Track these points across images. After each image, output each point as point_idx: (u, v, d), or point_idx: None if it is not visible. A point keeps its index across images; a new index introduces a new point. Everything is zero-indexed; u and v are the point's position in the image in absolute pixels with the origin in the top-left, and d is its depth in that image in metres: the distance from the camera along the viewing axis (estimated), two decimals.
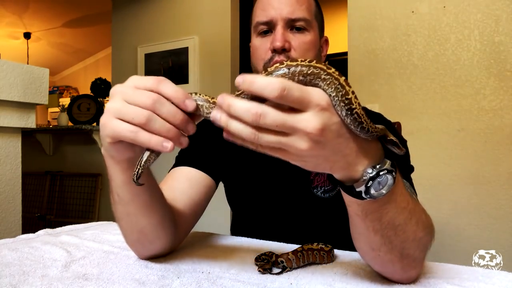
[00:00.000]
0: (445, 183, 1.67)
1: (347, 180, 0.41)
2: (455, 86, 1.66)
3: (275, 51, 0.74)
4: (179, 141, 0.42)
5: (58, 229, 0.85)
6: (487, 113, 1.59)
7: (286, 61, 0.37)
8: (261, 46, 0.77)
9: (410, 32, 1.75)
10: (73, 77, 6.46)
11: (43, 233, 0.81)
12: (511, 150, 1.54)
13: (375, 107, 1.80)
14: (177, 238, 0.66)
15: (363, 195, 0.40)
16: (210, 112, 0.41)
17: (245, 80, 0.35)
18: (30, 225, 3.01)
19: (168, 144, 0.40)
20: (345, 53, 2.00)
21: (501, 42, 1.57)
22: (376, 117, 0.83)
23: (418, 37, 1.73)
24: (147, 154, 0.43)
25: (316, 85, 0.37)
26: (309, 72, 0.36)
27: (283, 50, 0.74)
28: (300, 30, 0.76)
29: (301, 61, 0.37)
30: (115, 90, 0.43)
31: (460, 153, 1.64)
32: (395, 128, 0.91)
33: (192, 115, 0.42)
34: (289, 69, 0.36)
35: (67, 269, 0.57)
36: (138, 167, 0.44)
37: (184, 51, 2.51)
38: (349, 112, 0.37)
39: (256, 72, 0.81)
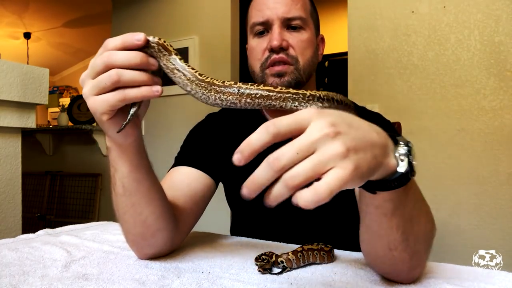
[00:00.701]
0: (445, 183, 1.67)
1: (386, 174, 0.39)
2: (455, 86, 1.66)
3: (272, 50, 0.74)
4: (155, 81, 0.45)
5: (58, 229, 0.85)
6: (487, 113, 1.59)
7: (239, 83, 0.41)
8: (257, 47, 0.77)
9: (410, 32, 1.75)
10: (73, 77, 6.45)
11: (43, 233, 0.81)
12: (511, 150, 1.54)
13: (375, 107, 1.80)
14: (177, 237, 0.66)
15: (410, 175, 0.39)
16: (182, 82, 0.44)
17: (242, 150, 0.34)
18: (30, 225, 3.01)
19: (158, 88, 0.44)
20: (345, 53, 2.00)
21: (501, 42, 1.57)
22: (375, 117, 0.83)
23: (418, 37, 1.73)
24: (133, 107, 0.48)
25: (270, 106, 0.40)
26: (257, 95, 0.39)
27: (281, 49, 0.74)
28: (296, 29, 0.76)
29: (251, 85, 0.40)
30: (82, 78, 0.46)
31: (460, 153, 1.64)
32: (394, 128, 0.91)
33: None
34: (238, 90, 0.40)
35: (67, 269, 0.57)
36: (128, 117, 0.48)
37: (184, 51, 2.51)
38: (323, 102, 0.40)
39: (253, 73, 0.80)
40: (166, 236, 0.62)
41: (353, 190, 0.74)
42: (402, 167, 0.38)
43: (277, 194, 0.33)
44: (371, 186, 0.41)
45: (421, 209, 0.48)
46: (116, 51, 0.43)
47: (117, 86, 0.43)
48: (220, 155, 0.83)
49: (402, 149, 0.38)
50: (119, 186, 0.56)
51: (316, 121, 0.34)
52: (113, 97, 0.43)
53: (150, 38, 0.44)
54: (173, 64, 0.44)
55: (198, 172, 0.77)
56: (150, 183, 0.58)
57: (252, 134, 0.34)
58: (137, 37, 0.44)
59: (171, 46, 0.46)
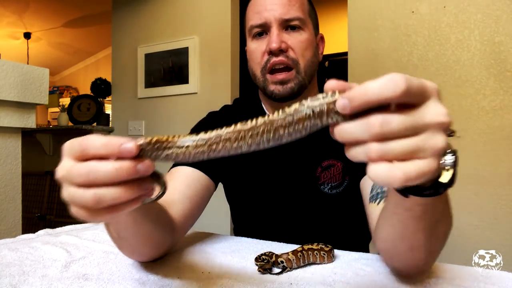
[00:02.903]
0: None
1: (427, 180, 0.35)
2: (455, 86, 1.66)
3: (271, 53, 0.74)
4: (146, 188, 0.35)
5: (58, 229, 0.85)
6: (487, 113, 1.59)
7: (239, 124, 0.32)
8: (257, 49, 0.77)
9: (410, 32, 1.75)
10: (73, 77, 6.46)
11: (43, 233, 0.81)
12: (511, 150, 1.54)
13: None
14: (174, 241, 0.66)
15: (449, 186, 0.35)
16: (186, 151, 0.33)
17: (353, 98, 0.29)
18: (30, 225, 3.01)
19: (151, 197, 0.36)
20: (345, 53, 2.00)
21: (501, 42, 1.57)
22: None
23: (418, 37, 1.73)
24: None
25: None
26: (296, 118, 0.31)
27: (280, 51, 0.73)
28: (295, 29, 0.75)
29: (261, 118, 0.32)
30: (58, 178, 0.35)
31: (460, 153, 1.63)
32: None
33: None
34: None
35: (67, 269, 0.57)
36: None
37: (184, 51, 2.51)
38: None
39: (254, 76, 0.80)
40: (163, 251, 0.62)
41: (357, 187, 0.74)
42: (445, 178, 0.34)
43: (356, 156, 0.30)
44: (406, 189, 0.36)
45: (446, 211, 0.45)
46: (98, 165, 0.32)
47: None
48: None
49: (450, 158, 0.34)
50: (114, 233, 0.52)
51: (435, 101, 0.30)
52: (100, 216, 0.34)
53: (141, 141, 0.34)
54: (188, 143, 0.33)
55: (198, 173, 0.77)
56: (149, 225, 0.53)
57: (373, 81, 0.29)
58: (127, 149, 0.32)
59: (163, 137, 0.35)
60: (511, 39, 1.55)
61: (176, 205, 0.68)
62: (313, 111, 0.30)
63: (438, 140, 0.30)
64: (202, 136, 0.33)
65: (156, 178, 0.37)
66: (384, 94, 0.28)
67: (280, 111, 0.31)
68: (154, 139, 0.34)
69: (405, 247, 0.47)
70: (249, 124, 0.32)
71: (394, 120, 0.28)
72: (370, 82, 0.28)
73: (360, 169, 0.71)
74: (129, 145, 0.33)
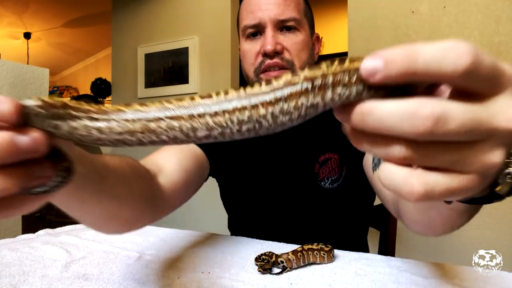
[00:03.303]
0: None
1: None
2: None
3: (266, 55, 0.72)
4: (38, 176, 0.23)
5: (58, 229, 0.85)
6: None
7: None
8: (250, 50, 0.75)
9: (410, 32, 1.75)
10: (73, 77, 6.46)
11: (43, 233, 0.81)
12: None
13: None
14: (157, 216, 0.56)
15: (503, 198, 0.26)
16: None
17: (392, 60, 0.19)
18: (30, 225, 3.01)
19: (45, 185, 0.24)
20: (345, 53, 2.01)
21: (501, 42, 1.57)
22: None
23: (418, 37, 1.73)
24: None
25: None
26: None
27: (275, 53, 0.71)
28: (290, 30, 0.73)
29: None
30: None
31: None
32: None
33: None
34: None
35: (67, 269, 0.57)
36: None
37: (184, 51, 2.51)
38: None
39: (247, 77, 0.78)
40: (139, 227, 0.51)
41: (355, 174, 0.73)
42: (504, 188, 0.25)
43: (370, 150, 0.21)
44: None
45: None
46: None
47: None
48: (221, 152, 0.82)
49: None
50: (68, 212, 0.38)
51: (511, 96, 0.20)
52: None
53: (30, 102, 0.22)
54: (112, 116, 0.22)
55: (201, 152, 0.75)
56: (111, 203, 0.41)
57: (426, 44, 0.19)
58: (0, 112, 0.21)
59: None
60: (511, 39, 1.55)
61: (170, 172, 0.60)
62: (312, 84, 0.20)
63: (495, 155, 0.20)
64: (138, 108, 0.21)
65: (57, 159, 0.25)
66: (439, 66, 0.18)
67: (264, 83, 0.21)
68: (55, 101, 0.22)
69: (446, 228, 0.45)
70: (215, 97, 0.21)
71: (457, 117, 0.18)
72: (421, 44, 0.19)
73: (357, 155, 0.69)
74: (5, 105, 0.20)
